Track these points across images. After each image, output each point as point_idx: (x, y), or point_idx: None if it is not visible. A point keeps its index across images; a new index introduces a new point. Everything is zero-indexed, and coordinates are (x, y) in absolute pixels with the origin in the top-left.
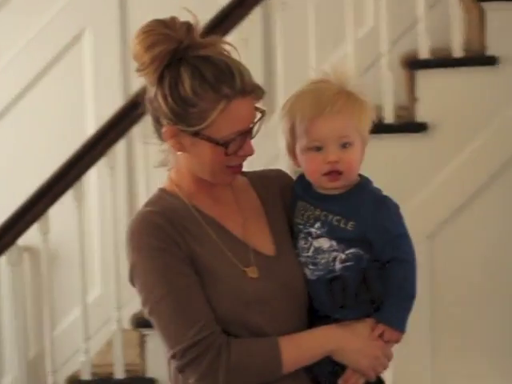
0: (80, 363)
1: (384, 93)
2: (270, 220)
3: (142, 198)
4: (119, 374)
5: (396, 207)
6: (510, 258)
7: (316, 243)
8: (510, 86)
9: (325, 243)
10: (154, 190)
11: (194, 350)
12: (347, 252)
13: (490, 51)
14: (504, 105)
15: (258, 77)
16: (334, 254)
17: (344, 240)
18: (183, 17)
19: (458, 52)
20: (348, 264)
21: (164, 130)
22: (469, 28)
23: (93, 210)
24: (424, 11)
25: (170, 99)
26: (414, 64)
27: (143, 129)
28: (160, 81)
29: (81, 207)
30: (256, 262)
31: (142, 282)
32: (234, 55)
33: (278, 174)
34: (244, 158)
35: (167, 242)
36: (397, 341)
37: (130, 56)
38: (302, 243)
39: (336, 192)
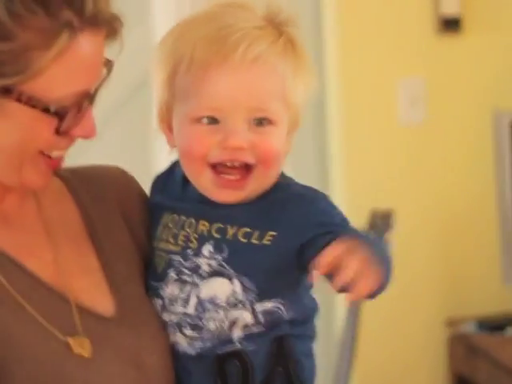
0: None
1: None
2: (102, 252)
3: None
4: None
5: (328, 198)
6: None
7: (203, 290)
8: None
9: (222, 289)
10: None
11: None
12: (259, 308)
13: None
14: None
15: None
16: (236, 311)
17: (256, 274)
18: None
19: None
20: (255, 331)
21: None
22: None
23: None
24: None
25: None
26: None
27: None
28: None
29: None
30: (85, 328)
31: None
32: None
33: (115, 176)
34: (73, 142)
35: None
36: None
37: None
38: (172, 289)
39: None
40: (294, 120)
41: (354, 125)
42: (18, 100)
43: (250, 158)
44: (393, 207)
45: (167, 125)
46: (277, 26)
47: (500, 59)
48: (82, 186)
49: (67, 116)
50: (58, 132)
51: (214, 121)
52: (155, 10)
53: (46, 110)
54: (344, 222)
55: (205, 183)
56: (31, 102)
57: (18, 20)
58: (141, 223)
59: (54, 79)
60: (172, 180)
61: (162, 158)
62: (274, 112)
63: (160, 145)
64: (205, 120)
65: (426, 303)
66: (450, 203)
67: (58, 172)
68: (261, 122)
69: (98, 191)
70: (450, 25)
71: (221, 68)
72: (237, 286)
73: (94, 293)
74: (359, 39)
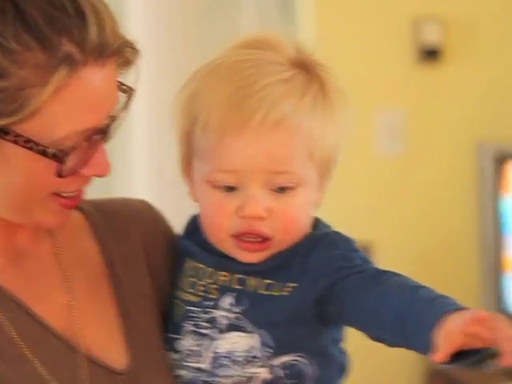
0: None
1: None
2: (120, 298)
3: None
4: None
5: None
6: None
7: (221, 345)
8: None
9: (240, 344)
10: None
11: None
12: (277, 362)
13: None
14: None
15: None
16: (253, 366)
17: (274, 326)
18: None
19: None
20: None
21: None
22: None
23: None
24: None
25: None
26: None
27: None
28: None
29: None
30: (92, 383)
31: None
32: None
33: (140, 210)
34: (88, 180)
35: None
36: None
37: None
38: (189, 342)
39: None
40: (325, 170)
41: None
42: (15, 142)
43: (267, 230)
44: (370, 239)
45: (190, 178)
46: (308, 70)
47: (482, 90)
48: (105, 222)
49: (69, 157)
50: (59, 175)
51: (231, 189)
52: None
53: (43, 153)
54: (365, 261)
55: (227, 248)
56: (28, 145)
57: (12, 56)
58: (164, 267)
59: (54, 118)
60: (200, 225)
61: None
62: (298, 173)
63: None
64: (222, 187)
65: None
66: (430, 235)
67: (80, 205)
68: (282, 188)
69: (121, 228)
70: (430, 54)
71: (237, 134)
72: (255, 340)
73: (107, 343)
74: (338, 68)
